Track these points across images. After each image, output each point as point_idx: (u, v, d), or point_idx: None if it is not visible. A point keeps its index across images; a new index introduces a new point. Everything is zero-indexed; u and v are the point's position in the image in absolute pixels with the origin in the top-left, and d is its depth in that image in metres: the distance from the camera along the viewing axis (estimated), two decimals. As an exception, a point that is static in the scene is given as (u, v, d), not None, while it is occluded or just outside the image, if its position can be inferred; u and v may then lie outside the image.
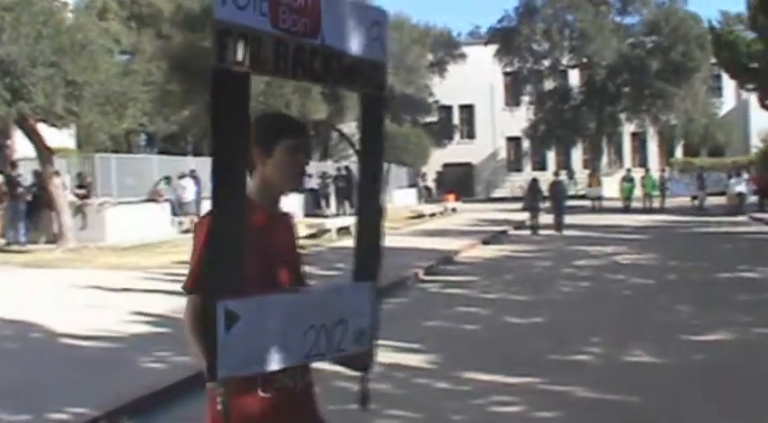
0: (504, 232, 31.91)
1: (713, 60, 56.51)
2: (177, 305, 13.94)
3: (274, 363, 3.31)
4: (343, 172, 42.75)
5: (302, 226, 27.55)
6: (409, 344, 10.91)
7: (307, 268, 3.91)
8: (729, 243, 26.18)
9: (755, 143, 57.13)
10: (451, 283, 17.98)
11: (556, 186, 32.42)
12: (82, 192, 28.38)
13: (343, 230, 28.02)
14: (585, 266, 20.33)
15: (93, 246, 25.25)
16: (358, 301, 3.71)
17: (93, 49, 22.33)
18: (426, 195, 59.20)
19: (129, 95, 23.83)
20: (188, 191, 31.65)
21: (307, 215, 39.20)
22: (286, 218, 3.82)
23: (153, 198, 31.10)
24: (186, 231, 29.96)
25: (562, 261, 21.42)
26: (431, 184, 63.01)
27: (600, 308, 14.26)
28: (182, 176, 32.12)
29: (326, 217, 37.56)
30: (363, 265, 3.81)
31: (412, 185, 59.26)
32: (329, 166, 46.05)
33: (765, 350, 10.64)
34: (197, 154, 46.16)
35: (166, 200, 31.34)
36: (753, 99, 60.20)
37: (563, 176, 37.55)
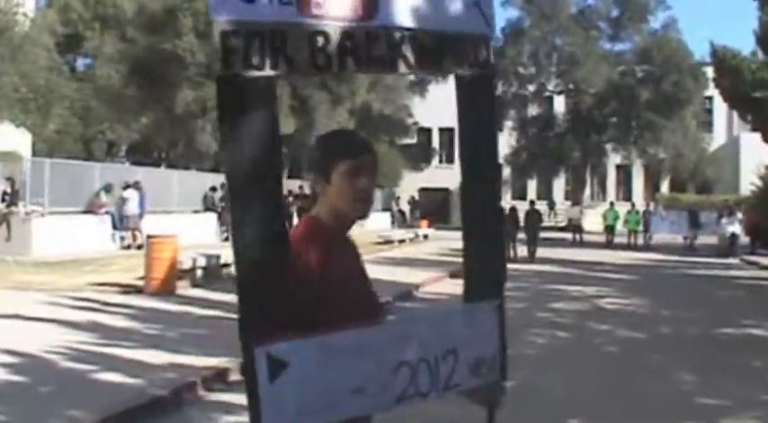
0: (475, 264, 28.94)
1: (706, 93, 55.09)
2: (57, 341, 11.41)
3: (343, 411, 2.80)
4: (306, 190, 39.91)
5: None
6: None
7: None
8: (725, 289, 23.54)
9: (750, 181, 54.99)
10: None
11: (531, 216, 33.16)
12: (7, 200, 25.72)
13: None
14: (564, 311, 17.45)
15: (12, 259, 22.64)
16: (474, 325, 3.28)
17: (12, 36, 19.49)
18: (400, 220, 56.58)
19: (55, 92, 21.03)
20: (131, 203, 29.13)
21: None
22: (352, 242, 3.42)
23: (91, 209, 28.59)
24: (127, 247, 28.03)
25: (537, 303, 18.53)
26: (405, 208, 60.39)
27: (581, 371, 11.36)
28: (125, 187, 29.46)
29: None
30: (481, 281, 3.39)
31: (386, 209, 56.55)
32: (294, 185, 43.28)
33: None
34: (171, 165, 43.36)
35: (107, 212, 28.75)
36: (744, 135, 58.67)
37: (538, 206, 36.70)
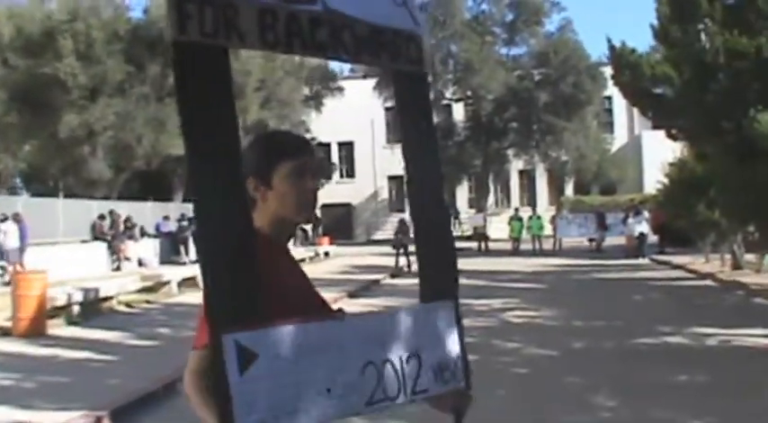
0: (376, 282, 28.26)
1: (605, 93, 54.80)
2: None
3: (315, 414, 2.66)
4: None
5: (134, 278, 23.34)
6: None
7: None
8: (638, 292, 22.44)
9: (653, 179, 54.68)
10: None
11: (402, 226, 32.90)
12: None
13: (188, 282, 23.73)
14: (468, 329, 15.67)
15: None
16: (433, 327, 3.13)
17: None
18: (302, 238, 54.86)
19: None
20: (9, 237, 27.17)
21: (163, 263, 35.24)
22: (288, 250, 3.22)
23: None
24: (7, 284, 25.62)
25: None
26: (306, 225, 58.70)
27: (485, 399, 9.84)
28: (3, 219, 27.56)
29: (184, 264, 33.26)
30: (434, 281, 3.22)
31: (287, 228, 54.82)
32: (190, 209, 41.52)
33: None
34: (69, 194, 41.27)
35: (-20, 246, 26.77)
36: (646, 134, 58.39)
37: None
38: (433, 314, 3.15)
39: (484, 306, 19.30)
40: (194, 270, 26.21)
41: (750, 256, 26.16)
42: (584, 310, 18.84)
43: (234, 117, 2.60)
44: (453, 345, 3.18)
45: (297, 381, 2.62)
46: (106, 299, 19.61)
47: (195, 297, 22.58)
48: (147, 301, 21.12)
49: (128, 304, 20.33)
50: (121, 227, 35.24)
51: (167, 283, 23.54)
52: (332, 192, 63.04)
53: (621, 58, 27.47)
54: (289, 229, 3.08)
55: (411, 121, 3.25)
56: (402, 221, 33.33)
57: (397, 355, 2.93)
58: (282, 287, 2.81)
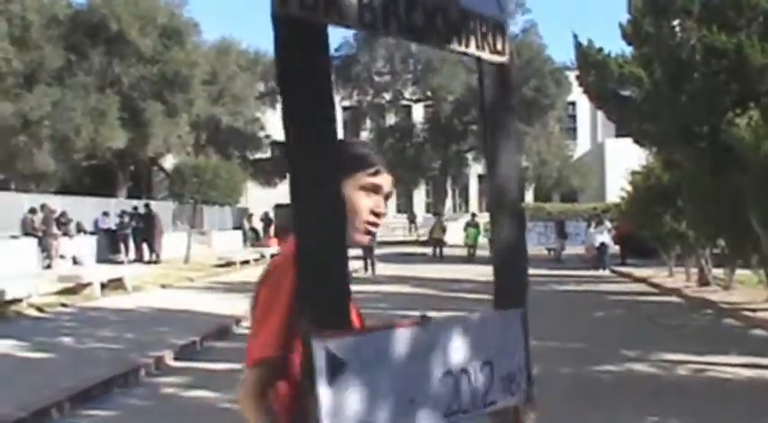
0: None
1: (569, 99, 53.78)
2: None
3: None
4: (142, 210, 36.15)
5: (50, 279, 21.45)
6: None
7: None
8: (599, 308, 20.82)
9: (616, 187, 53.89)
10: (208, 375, 11.83)
11: None
12: None
13: (113, 283, 21.86)
14: None
15: None
16: (503, 335, 3.04)
17: None
18: (253, 238, 52.98)
19: None
20: None
21: (100, 261, 33.30)
22: None
23: None
24: None
25: None
26: (258, 225, 56.83)
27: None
28: None
29: (122, 263, 31.46)
30: (506, 289, 3.11)
31: (237, 228, 52.96)
32: (129, 205, 39.48)
33: None
34: (3, 188, 39.19)
35: None
36: (609, 142, 57.29)
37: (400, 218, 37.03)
38: (504, 321, 3.07)
39: (430, 320, 17.57)
40: (128, 270, 24.54)
41: (718, 272, 24.57)
42: (540, 327, 16.90)
43: (331, 98, 2.52)
44: (521, 354, 3.10)
45: (382, 390, 2.54)
46: (14, 301, 17.70)
47: (119, 301, 20.82)
48: (63, 305, 19.09)
49: (39, 308, 18.30)
50: (54, 222, 33.20)
51: (89, 284, 21.49)
52: (286, 192, 61.61)
53: (587, 57, 26.01)
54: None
55: (493, 116, 3.11)
56: None
57: (473, 363, 2.86)
58: None
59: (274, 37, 2.39)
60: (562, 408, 9.69)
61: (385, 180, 2.85)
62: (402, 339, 2.61)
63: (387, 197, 2.88)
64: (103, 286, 21.84)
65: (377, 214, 2.83)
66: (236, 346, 14.59)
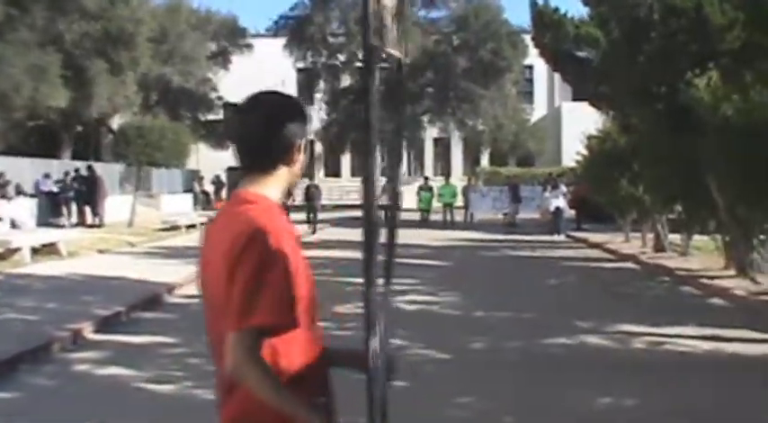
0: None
1: (526, 62, 53.16)
2: None
3: None
4: (84, 172, 34.99)
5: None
6: None
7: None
8: (553, 275, 20.12)
9: (573, 152, 53.51)
10: (128, 349, 10.93)
11: (311, 190, 35.55)
12: None
13: (47, 249, 20.91)
14: (351, 317, 11.93)
15: None
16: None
17: None
18: (204, 202, 51.90)
19: None
20: None
21: (40, 225, 32.16)
22: None
23: None
24: None
25: (323, 304, 14.22)
26: (209, 188, 55.78)
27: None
28: None
29: (63, 227, 30.38)
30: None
31: (188, 190, 51.89)
32: (71, 166, 38.22)
33: None
34: None
35: None
36: (566, 106, 56.70)
37: (316, 182, 41.28)
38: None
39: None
40: (66, 235, 23.60)
41: (675, 237, 23.99)
42: (491, 295, 16.44)
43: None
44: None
45: None
46: None
47: (50, 267, 19.74)
48: (-9, 271, 18.14)
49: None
50: (-8, 184, 32.06)
51: (17, 249, 20.43)
52: (236, 154, 60.80)
53: (543, 17, 25.31)
54: (283, 198, 3.04)
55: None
56: (311, 186, 35.78)
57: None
58: (300, 255, 2.90)
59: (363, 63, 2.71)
60: (509, 390, 8.99)
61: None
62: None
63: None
64: (36, 251, 20.85)
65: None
66: (165, 316, 13.81)
